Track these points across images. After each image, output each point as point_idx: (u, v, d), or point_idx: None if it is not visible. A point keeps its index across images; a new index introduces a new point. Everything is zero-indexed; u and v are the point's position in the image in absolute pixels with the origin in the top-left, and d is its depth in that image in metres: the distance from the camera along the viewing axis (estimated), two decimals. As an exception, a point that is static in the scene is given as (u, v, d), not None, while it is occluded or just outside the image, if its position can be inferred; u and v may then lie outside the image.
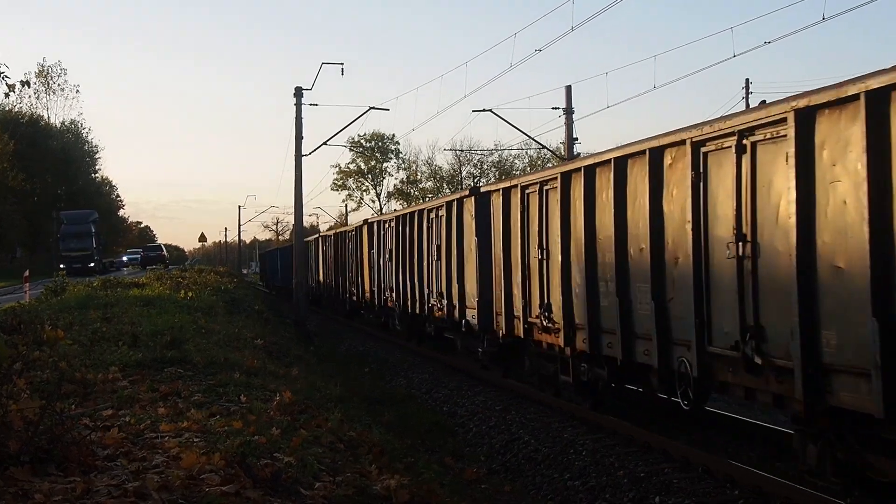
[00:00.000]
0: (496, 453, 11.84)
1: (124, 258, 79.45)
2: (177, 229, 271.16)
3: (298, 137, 31.52)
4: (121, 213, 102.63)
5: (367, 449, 8.34)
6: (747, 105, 35.02)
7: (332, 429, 8.47)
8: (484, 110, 33.28)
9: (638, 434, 11.30)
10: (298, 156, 31.50)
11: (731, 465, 9.40)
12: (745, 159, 8.65)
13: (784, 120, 7.99)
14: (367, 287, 28.00)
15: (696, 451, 10.14)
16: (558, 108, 30.86)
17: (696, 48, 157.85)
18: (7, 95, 7.66)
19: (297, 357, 17.98)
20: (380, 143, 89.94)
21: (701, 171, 9.36)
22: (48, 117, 77.91)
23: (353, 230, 31.14)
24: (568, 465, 10.64)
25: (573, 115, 30.46)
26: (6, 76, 7.28)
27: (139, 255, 78.60)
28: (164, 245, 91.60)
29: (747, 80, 38.84)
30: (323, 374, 16.57)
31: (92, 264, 57.65)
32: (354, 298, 30.63)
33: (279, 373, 12.34)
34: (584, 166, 11.85)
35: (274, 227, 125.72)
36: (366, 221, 28.68)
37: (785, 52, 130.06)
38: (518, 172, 66.93)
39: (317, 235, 44.53)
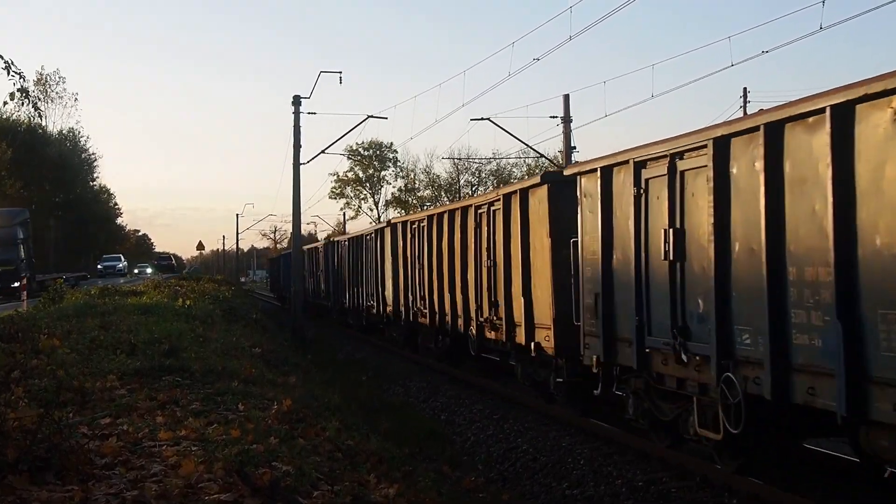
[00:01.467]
0: (494, 462, 11.83)
1: (99, 266, 66.55)
2: (174, 237, 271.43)
3: (296, 146, 31.55)
4: (118, 221, 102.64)
5: (365, 457, 8.33)
6: (745, 114, 35.11)
7: (331, 437, 8.46)
8: (482, 119, 33.05)
9: (635, 442, 11.30)
10: (296, 164, 31.52)
11: (729, 475, 9.40)
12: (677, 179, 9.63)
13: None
14: (514, 314, 14.95)
15: (693, 460, 10.14)
16: (556, 117, 30.92)
17: (694, 57, 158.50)
18: (5, 104, 7.63)
19: (294, 365, 17.94)
20: (378, 152, 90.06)
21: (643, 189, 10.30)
22: (46, 125, 77.90)
23: (485, 206, 16.68)
24: (566, 474, 10.63)
25: (571, 124, 30.53)
26: (19, 74, 7.19)
27: (117, 263, 69.11)
28: (163, 253, 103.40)
29: (745, 88, 39.07)
30: (321, 382, 16.54)
31: (17, 283, 35.94)
32: (471, 330, 17.54)
33: (277, 381, 12.31)
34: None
35: (272, 236, 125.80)
36: (527, 187, 14.49)
37: (783, 61, 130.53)
38: (515, 181, 66.42)
39: (382, 225, 27.41)
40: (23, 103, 7.53)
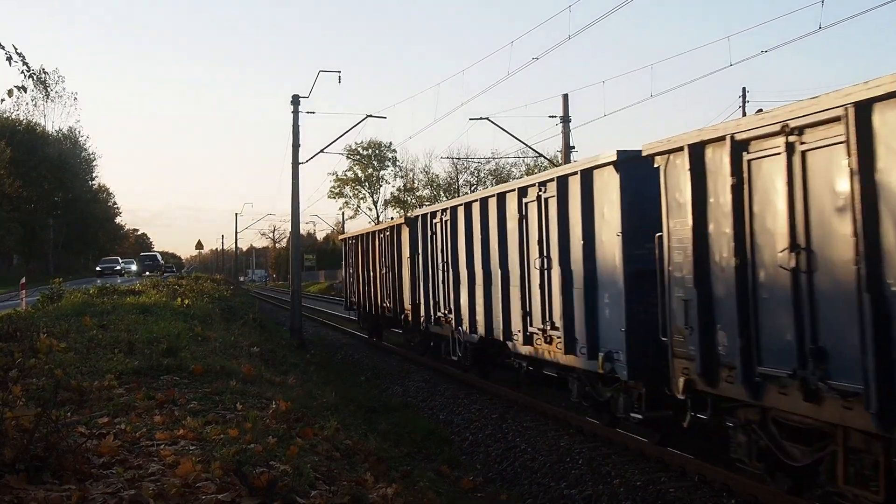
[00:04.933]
0: (492, 462, 11.83)
1: None
2: (173, 237, 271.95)
3: (295, 145, 31.52)
4: (117, 220, 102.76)
5: (363, 457, 8.32)
6: (744, 114, 35.15)
7: (329, 437, 8.45)
8: (481, 118, 33.05)
9: (633, 443, 11.29)
10: (295, 164, 31.49)
11: (727, 475, 9.39)
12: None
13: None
14: (573, 325, 12.30)
15: (692, 460, 10.12)
16: (555, 117, 30.87)
17: (693, 57, 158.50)
18: (2, 101, 7.55)
19: (293, 365, 17.95)
20: (377, 151, 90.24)
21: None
22: (45, 124, 77.97)
23: (533, 191, 13.66)
24: (564, 474, 10.62)
25: (570, 124, 30.50)
26: (23, 60, 7.06)
27: None
28: (161, 253, 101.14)
29: (744, 88, 39.08)
30: (319, 382, 16.53)
31: None
32: (513, 342, 14.62)
33: (275, 381, 12.31)
34: None
35: (270, 235, 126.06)
36: (591, 168, 11.62)
37: (782, 60, 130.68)
38: (516, 178, 66.29)
39: (399, 220, 24.52)
40: (2, 100, 7.32)
